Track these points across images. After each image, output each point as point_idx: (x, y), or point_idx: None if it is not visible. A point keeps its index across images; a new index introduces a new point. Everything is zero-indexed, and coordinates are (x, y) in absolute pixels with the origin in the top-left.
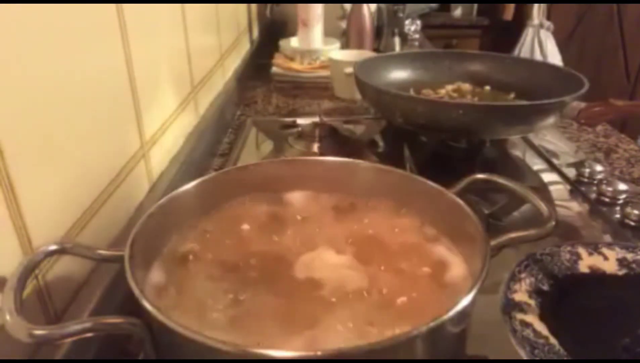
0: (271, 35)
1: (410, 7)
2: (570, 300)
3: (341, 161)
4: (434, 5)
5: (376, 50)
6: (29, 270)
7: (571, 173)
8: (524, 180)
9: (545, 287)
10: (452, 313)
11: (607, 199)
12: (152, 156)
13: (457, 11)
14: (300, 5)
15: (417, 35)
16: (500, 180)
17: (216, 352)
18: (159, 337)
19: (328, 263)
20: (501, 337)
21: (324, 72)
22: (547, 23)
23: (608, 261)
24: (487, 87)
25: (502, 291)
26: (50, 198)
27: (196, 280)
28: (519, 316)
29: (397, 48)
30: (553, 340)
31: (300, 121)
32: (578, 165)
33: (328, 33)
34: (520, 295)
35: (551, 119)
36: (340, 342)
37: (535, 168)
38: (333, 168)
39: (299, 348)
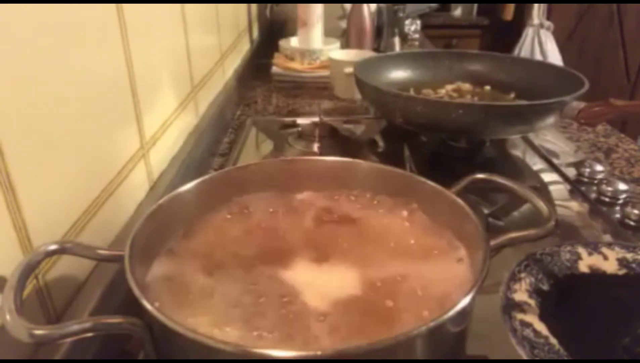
0: (271, 35)
1: (410, 7)
2: (570, 300)
3: (341, 161)
4: (434, 5)
5: (376, 50)
6: (29, 270)
7: (571, 172)
8: (524, 180)
9: (545, 287)
10: (452, 313)
11: (607, 199)
12: (152, 156)
13: (457, 11)
14: (300, 5)
15: (417, 35)
16: (500, 180)
17: (216, 352)
18: (159, 337)
19: (330, 263)
20: (501, 337)
21: (324, 72)
22: (547, 23)
23: (608, 261)
24: (487, 87)
25: (502, 291)
26: (50, 198)
27: (196, 279)
28: (519, 316)
29: (397, 48)
30: (553, 340)
31: (300, 121)
32: (578, 165)
33: (328, 33)
34: (520, 295)
35: (551, 119)
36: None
37: (535, 168)
38: (333, 168)
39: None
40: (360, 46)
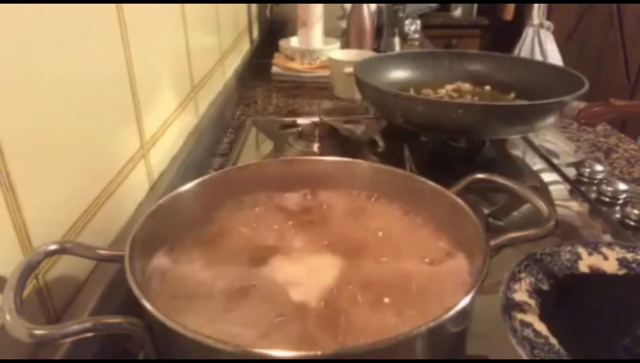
0: (271, 35)
1: (410, 7)
2: (570, 300)
3: (341, 161)
4: (434, 5)
5: (376, 50)
6: (29, 270)
7: (571, 172)
8: (524, 180)
9: (545, 287)
10: (452, 313)
11: (607, 199)
12: (152, 156)
13: (457, 11)
14: (300, 5)
15: (417, 35)
16: (500, 180)
17: (216, 352)
18: (159, 336)
19: (328, 262)
20: (501, 337)
21: (324, 72)
22: (547, 23)
23: (608, 261)
24: (487, 87)
25: (502, 291)
26: (50, 197)
27: (196, 279)
28: (519, 316)
29: (397, 48)
30: (553, 340)
31: (300, 120)
32: (578, 165)
33: (328, 33)
34: (520, 294)
35: (551, 119)
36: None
37: (535, 168)
38: (333, 168)
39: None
40: (360, 46)
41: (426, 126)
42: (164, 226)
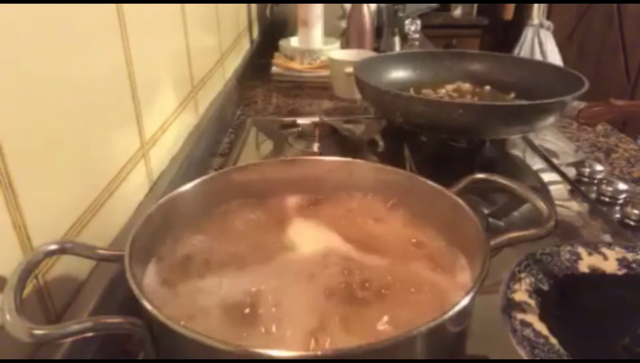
0: (271, 35)
1: (410, 7)
2: (570, 300)
3: (341, 161)
4: (434, 5)
5: (376, 50)
6: (29, 270)
7: (571, 172)
8: (524, 180)
9: (545, 287)
10: (452, 313)
11: (607, 199)
12: (152, 156)
13: (457, 11)
14: (300, 5)
15: (417, 35)
16: (500, 180)
17: (216, 352)
18: (159, 336)
19: (327, 261)
20: (501, 337)
21: (324, 72)
22: (547, 23)
23: (608, 261)
24: (487, 87)
25: (502, 291)
26: (50, 197)
27: (195, 278)
28: (519, 316)
29: (397, 48)
30: (553, 340)
31: (300, 120)
32: (578, 165)
33: (328, 33)
34: (520, 294)
35: (551, 119)
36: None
37: (535, 167)
38: (333, 168)
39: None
40: (360, 45)
41: (426, 126)
42: (163, 227)
